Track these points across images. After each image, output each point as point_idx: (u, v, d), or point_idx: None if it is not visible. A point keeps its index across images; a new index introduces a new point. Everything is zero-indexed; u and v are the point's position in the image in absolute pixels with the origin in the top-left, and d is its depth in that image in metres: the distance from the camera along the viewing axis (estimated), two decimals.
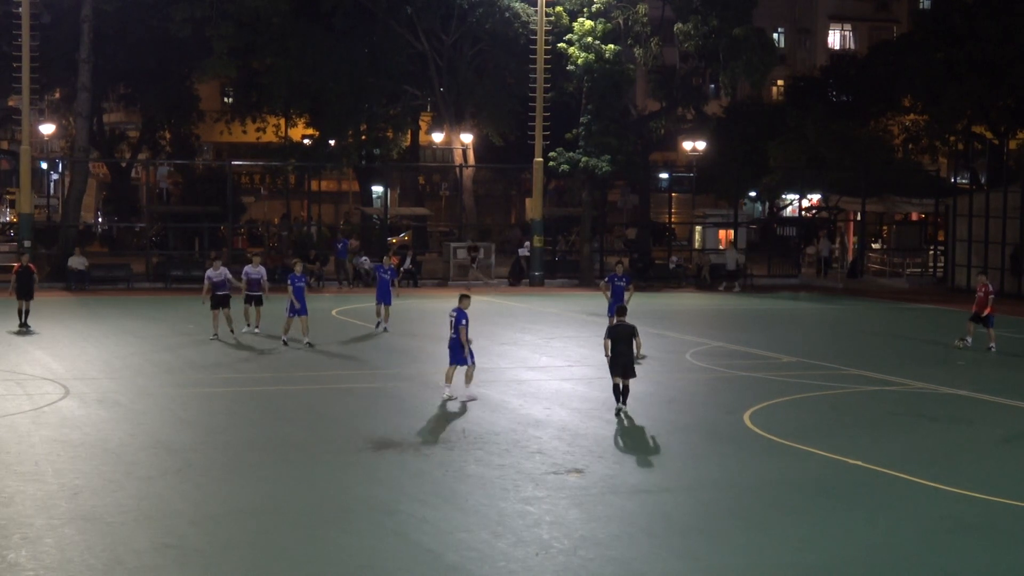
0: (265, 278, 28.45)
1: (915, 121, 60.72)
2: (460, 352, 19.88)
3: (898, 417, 19.62)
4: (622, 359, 18.87)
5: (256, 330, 27.98)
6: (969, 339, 27.08)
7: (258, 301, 28.09)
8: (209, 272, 27.55)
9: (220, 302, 27.27)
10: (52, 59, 46.73)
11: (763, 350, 26.22)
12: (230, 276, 27.54)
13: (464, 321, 19.77)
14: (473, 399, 19.98)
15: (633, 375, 18.94)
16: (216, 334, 27.12)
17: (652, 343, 26.88)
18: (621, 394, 18.93)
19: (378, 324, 29.60)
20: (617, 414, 18.73)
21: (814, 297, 43.45)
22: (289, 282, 26.63)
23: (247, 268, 28.55)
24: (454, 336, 19.93)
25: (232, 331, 27.39)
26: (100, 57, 47.71)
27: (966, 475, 15.30)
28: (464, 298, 20.32)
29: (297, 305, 26.21)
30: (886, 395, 21.57)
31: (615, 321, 19.98)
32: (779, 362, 25.23)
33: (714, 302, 41.22)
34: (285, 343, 26.39)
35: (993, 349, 26.92)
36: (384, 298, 29.36)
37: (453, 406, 19.56)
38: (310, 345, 26.19)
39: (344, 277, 44.93)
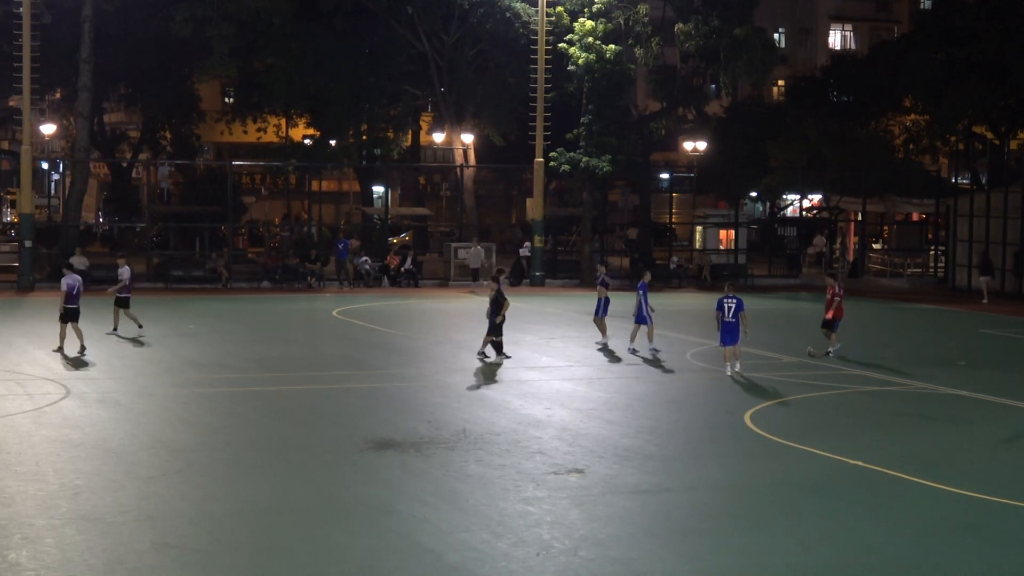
0: (125, 278, 27.48)
1: (916, 121, 60.74)
2: (736, 334, 22.93)
3: (898, 417, 19.62)
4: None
5: (140, 330, 27.25)
6: (839, 344, 26.07)
7: (120, 303, 27.41)
8: (66, 279, 24.85)
9: (70, 315, 24.51)
10: (53, 59, 46.70)
11: (763, 350, 26.21)
12: (80, 286, 24.79)
13: (744, 308, 23.02)
14: (740, 373, 22.83)
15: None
16: (61, 347, 24.33)
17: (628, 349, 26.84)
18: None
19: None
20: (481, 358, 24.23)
21: (814, 297, 43.39)
22: (639, 291, 26.08)
23: (119, 270, 27.94)
24: (732, 320, 22.92)
25: (84, 348, 24.37)
26: (101, 57, 47.72)
27: (966, 475, 15.29)
28: (731, 285, 24.01)
29: (635, 313, 25.90)
30: (887, 395, 21.57)
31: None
32: (780, 362, 25.23)
33: (714, 303, 41.19)
34: (655, 350, 25.74)
35: (831, 353, 25.74)
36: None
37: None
38: (656, 350, 25.70)
39: (344, 277, 44.93)
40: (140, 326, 27.43)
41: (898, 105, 60.30)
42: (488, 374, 23.01)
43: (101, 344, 26.28)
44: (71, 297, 24.65)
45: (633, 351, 25.90)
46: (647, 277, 27.29)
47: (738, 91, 54.60)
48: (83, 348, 24.55)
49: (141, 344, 26.48)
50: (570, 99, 47.71)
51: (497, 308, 24.19)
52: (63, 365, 23.23)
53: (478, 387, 21.64)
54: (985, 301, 40.31)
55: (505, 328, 24.71)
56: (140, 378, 21.99)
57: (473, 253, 45.47)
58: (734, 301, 23.13)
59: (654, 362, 24.88)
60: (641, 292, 25.97)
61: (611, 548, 12.00)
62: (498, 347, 24.54)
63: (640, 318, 25.93)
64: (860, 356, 26.08)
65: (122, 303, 27.59)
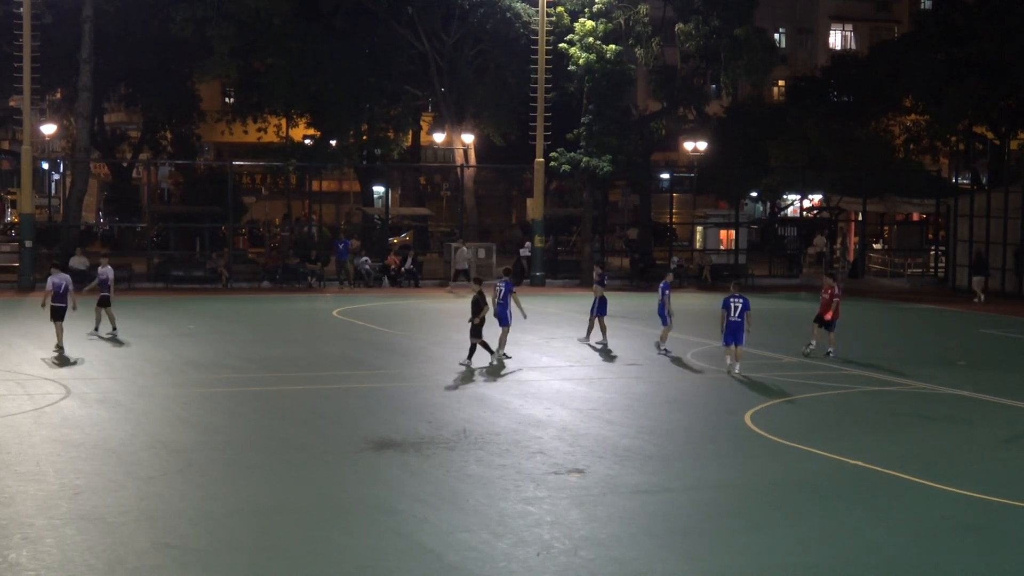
0: (108, 278, 27.49)
1: (916, 121, 60.70)
2: (740, 334, 22.93)
3: (898, 417, 19.62)
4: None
5: (95, 331, 27.21)
6: (813, 343, 25.98)
7: (102, 302, 27.39)
8: (52, 278, 25.03)
9: (59, 314, 24.68)
10: (53, 59, 46.65)
11: (763, 350, 26.21)
12: (71, 285, 25.06)
13: (750, 308, 23.10)
14: (740, 373, 22.74)
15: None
16: (60, 345, 24.49)
17: (653, 344, 26.88)
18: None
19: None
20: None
21: (814, 297, 43.34)
22: (661, 291, 26.11)
23: (99, 269, 28.06)
24: (738, 320, 22.92)
25: (61, 348, 24.46)
26: (101, 57, 47.73)
27: (966, 475, 15.29)
28: (736, 284, 24.06)
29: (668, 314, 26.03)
30: (887, 395, 21.57)
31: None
32: (780, 362, 25.23)
33: (715, 302, 41.19)
34: (666, 352, 25.75)
35: (832, 354, 25.68)
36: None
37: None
38: (666, 352, 25.68)
39: (345, 277, 44.93)
40: (96, 329, 27.24)
41: (898, 105, 60.29)
42: (488, 374, 23.01)
43: (101, 344, 26.30)
44: (58, 295, 24.73)
45: (660, 348, 26.06)
46: (670, 277, 27.49)
47: (738, 91, 54.60)
48: (60, 347, 24.50)
49: (140, 344, 26.49)
50: (570, 99, 47.71)
51: (476, 310, 23.84)
52: (63, 365, 23.24)
53: (478, 387, 21.64)
54: (983, 300, 40.29)
55: None
56: (140, 378, 22.00)
57: (460, 254, 45.13)
58: (741, 301, 23.22)
59: (655, 362, 24.87)
60: (666, 292, 26.08)
61: (611, 548, 12.00)
62: (485, 346, 24.14)
63: (666, 319, 26.07)
64: (860, 356, 26.08)
65: (103, 302, 27.58)
